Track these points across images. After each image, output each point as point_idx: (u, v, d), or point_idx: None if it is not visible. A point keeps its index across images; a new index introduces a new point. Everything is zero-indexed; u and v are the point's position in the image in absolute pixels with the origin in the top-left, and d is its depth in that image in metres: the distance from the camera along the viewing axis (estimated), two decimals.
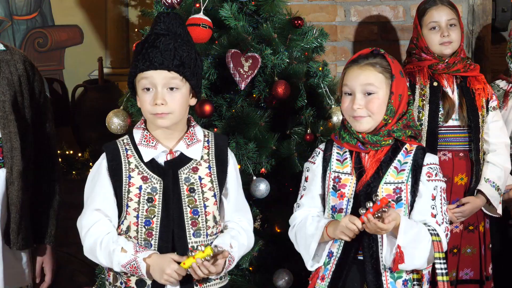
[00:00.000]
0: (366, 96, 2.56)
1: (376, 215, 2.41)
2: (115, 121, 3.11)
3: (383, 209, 2.40)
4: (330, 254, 2.59)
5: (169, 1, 3.15)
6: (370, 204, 2.41)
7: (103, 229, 2.42)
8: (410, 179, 2.58)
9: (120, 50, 4.11)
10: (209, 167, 2.50)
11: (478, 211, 3.29)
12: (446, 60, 3.27)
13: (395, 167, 2.59)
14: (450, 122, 3.26)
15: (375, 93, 2.56)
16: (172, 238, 2.42)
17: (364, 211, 2.42)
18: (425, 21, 3.30)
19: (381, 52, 2.62)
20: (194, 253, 2.35)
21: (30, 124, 2.95)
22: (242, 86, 3.03)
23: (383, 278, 2.54)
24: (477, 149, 3.24)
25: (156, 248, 2.42)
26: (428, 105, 3.24)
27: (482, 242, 3.32)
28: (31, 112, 2.95)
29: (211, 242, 2.46)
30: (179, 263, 2.37)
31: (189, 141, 2.49)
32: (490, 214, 3.31)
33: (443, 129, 3.26)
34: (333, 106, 3.17)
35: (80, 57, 4.09)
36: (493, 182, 3.24)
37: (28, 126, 2.93)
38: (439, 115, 3.24)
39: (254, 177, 3.01)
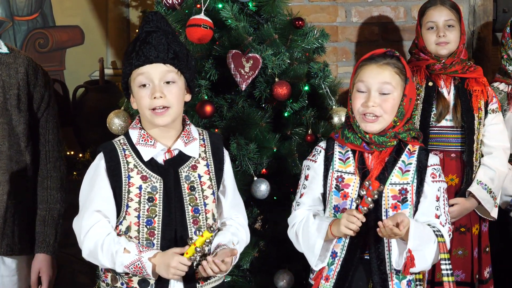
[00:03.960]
0: (381, 95, 2.56)
1: (370, 200, 2.42)
2: (116, 122, 3.11)
3: (375, 192, 2.40)
4: (334, 255, 2.59)
5: (170, 2, 3.15)
6: (363, 192, 2.42)
7: (103, 231, 2.41)
8: (415, 180, 2.58)
9: (121, 50, 4.10)
10: (207, 165, 2.51)
11: (472, 213, 3.28)
12: (443, 60, 3.28)
13: (400, 168, 2.59)
14: (444, 123, 3.26)
15: (391, 93, 2.56)
16: (175, 237, 2.43)
17: (359, 201, 2.44)
18: (424, 20, 3.31)
19: (396, 54, 2.62)
20: (193, 241, 2.35)
21: (25, 128, 2.92)
22: (243, 86, 3.03)
23: (389, 279, 2.54)
24: (470, 151, 3.23)
25: (159, 248, 2.42)
26: (421, 104, 3.25)
27: (476, 245, 3.30)
28: (28, 117, 2.92)
29: (213, 238, 2.47)
30: (182, 255, 2.36)
31: (186, 139, 2.50)
32: (485, 217, 3.30)
33: (435, 129, 3.25)
34: (334, 106, 3.17)
35: (81, 58, 4.08)
36: (485, 185, 3.22)
37: (22, 131, 2.91)
38: (432, 115, 3.24)
39: (255, 178, 3.01)
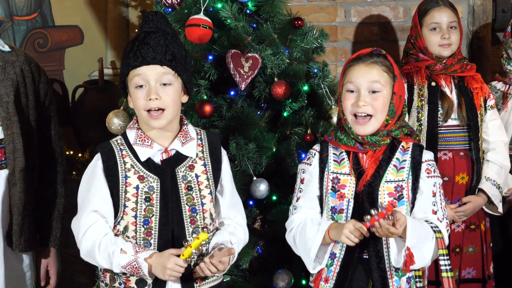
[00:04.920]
0: (371, 94, 2.56)
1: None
2: (115, 122, 3.11)
3: (388, 216, 2.41)
4: (333, 256, 2.59)
5: (169, 2, 3.15)
6: (374, 212, 2.41)
7: (100, 231, 2.42)
8: (410, 177, 2.59)
9: (120, 50, 4.11)
10: (204, 165, 2.51)
11: (479, 210, 3.29)
12: (444, 61, 3.28)
13: (395, 165, 2.59)
14: (450, 122, 3.27)
15: (380, 91, 2.56)
16: (172, 237, 2.43)
17: (369, 218, 2.42)
18: (426, 21, 3.30)
19: (382, 53, 2.62)
20: (190, 242, 2.35)
21: (35, 126, 2.94)
22: (242, 86, 3.03)
23: (389, 277, 2.54)
24: (477, 148, 3.25)
25: (156, 247, 2.42)
26: (427, 105, 3.25)
27: (484, 241, 3.33)
28: (36, 114, 2.94)
29: (210, 239, 2.48)
30: (179, 256, 2.36)
31: (183, 139, 2.49)
32: (491, 212, 3.31)
33: (442, 129, 3.26)
34: (333, 106, 3.17)
35: (80, 58, 4.09)
36: (494, 181, 3.25)
37: (32, 128, 2.93)
38: (439, 115, 3.25)
39: (254, 178, 3.01)
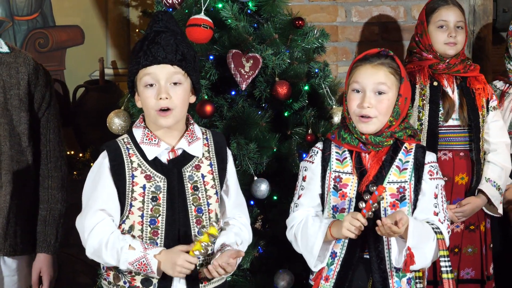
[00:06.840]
0: (377, 96, 2.56)
1: (375, 205, 2.43)
2: (116, 122, 3.11)
3: (381, 196, 2.42)
4: (334, 254, 2.59)
5: (170, 2, 3.15)
6: (367, 196, 2.42)
7: (107, 229, 2.40)
8: (413, 178, 2.59)
9: (121, 50, 4.11)
10: (210, 165, 2.51)
11: (479, 210, 3.29)
12: (447, 60, 3.28)
13: (397, 166, 2.59)
14: (450, 122, 3.27)
15: (386, 93, 2.56)
16: (178, 237, 2.43)
17: (364, 205, 2.44)
18: (434, 18, 3.30)
19: (390, 54, 2.62)
20: (199, 238, 2.34)
21: (26, 128, 2.92)
22: (243, 86, 3.03)
23: (389, 277, 2.55)
24: (477, 149, 3.25)
25: (163, 247, 2.41)
26: (428, 104, 3.25)
27: (483, 242, 3.33)
28: (29, 117, 2.92)
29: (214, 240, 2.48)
30: (188, 253, 2.36)
31: (190, 139, 2.50)
32: (491, 213, 3.31)
33: (443, 128, 3.26)
34: (334, 106, 3.17)
35: (81, 58, 4.08)
36: (494, 182, 3.25)
37: (25, 131, 2.91)
38: (439, 115, 3.25)
39: (255, 178, 3.01)
